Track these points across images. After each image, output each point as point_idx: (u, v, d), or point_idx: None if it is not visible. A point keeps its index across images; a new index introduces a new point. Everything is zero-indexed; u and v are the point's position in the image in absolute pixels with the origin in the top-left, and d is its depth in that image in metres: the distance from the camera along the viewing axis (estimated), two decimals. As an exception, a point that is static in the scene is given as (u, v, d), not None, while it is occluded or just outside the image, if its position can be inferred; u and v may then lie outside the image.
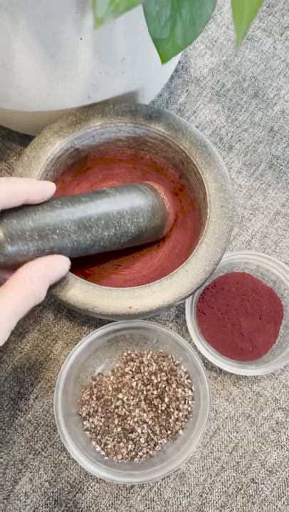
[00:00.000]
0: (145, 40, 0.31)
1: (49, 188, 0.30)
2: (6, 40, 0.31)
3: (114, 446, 0.38)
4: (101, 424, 0.39)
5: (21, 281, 0.28)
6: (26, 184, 0.29)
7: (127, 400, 0.39)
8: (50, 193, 0.30)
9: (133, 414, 0.39)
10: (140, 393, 0.39)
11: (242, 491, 0.40)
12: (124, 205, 0.35)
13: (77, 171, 0.40)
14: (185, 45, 0.27)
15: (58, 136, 0.36)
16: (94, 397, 0.40)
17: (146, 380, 0.40)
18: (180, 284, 0.33)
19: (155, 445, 0.39)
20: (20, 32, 0.30)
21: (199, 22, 0.26)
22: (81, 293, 0.33)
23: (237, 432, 0.41)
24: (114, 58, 0.33)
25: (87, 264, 0.39)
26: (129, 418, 0.39)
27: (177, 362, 0.41)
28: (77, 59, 0.32)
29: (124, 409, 0.39)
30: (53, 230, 0.30)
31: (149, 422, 0.39)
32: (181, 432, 0.39)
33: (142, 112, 0.37)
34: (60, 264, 0.31)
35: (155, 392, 0.39)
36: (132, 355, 0.41)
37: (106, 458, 0.38)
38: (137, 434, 0.38)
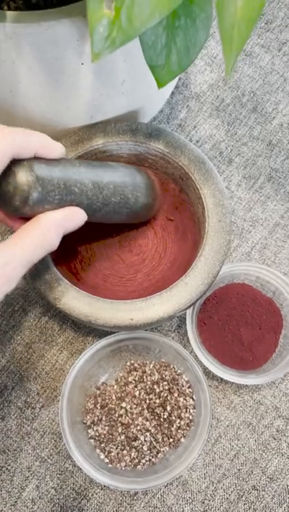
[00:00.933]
0: (144, 63, 0.32)
1: (59, 146, 0.31)
2: (12, 66, 0.32)
3: (117, 453, 0.39)
4: (105, 432, 0.40)
5: (41, 230, 0.29)
6: (39, 138, 0.30)
7: (130, 408, 0.40)
8: (60, 152, 0.31)
9: (136, 422, 0.40)
10: (143, 402, 0.41)
11: (243, 498, 0.41)
12: (127, 178, 0.36)
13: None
14: (180, 71, 0.28)
15: (61, 155, 0.37)
16: (98, 405, 0.41)
17: (148, 389, 0.41)
18: (180, 296, 0.35)
19: (158, 453, 0.40)
20: (24, 58, 0.32)
21: (193, 49, 0.28)
22: (84, 305, 0.34)
23: (238, 440, 0.42)
24: (115, 81, 0.35)
25: (91, 276, 0.41)
26: (132, 426, 0.40)
27: (179, 371, 0.42)
28: (79, 82, 0.34)
29: (127, 418, 0.40)
30: (75, 183, 0.31)
31: (152, 430, 0.40)
32: (183, 439, 0.40)
33: (142, 130, 0.38)
34: (79, 217, 0.32)
35: (157, 401, 0.41)
36: (135, 364, 0.42)
37: (110, 465, 0.39)
38: (140, 441, 0.40)
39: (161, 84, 0.29)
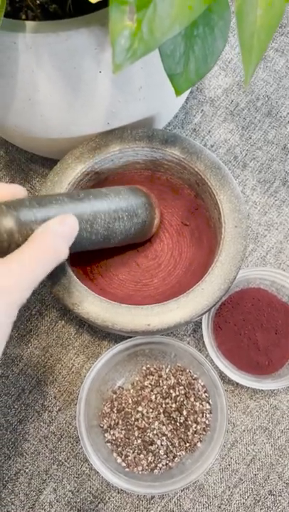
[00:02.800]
0: (160, 70, 0.32)
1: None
2: (31, 75, 0.33)
3: (134, 457, 0.40)
4: (122, 436, 0.40)
5: (39, 238, 0.28)
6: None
7: (147, 412, 0.41)
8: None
9: (152, 426, 0.40)
10: (159, 406, 0.41)
11: (260, 503, 0.41)
12: (121, 205, 0.36)
13: (97, 192, 0.42)
14: (198, 79, 0.29)
15: (78, 162, 0.38)
16: (114, 409, 0.41)
17: (164, 394, 0.41)
18: (196, 301, 0.35)
19: (174, 457, 0.40)
20: (43, 67, 0.32)
21: (211, 57, 0.28)
22: (102, 310, 0.34)
23: (254, 445, 0.42)
24: (132, 88, 0.35)
25: (107, 281, 0.41)
26: (148, 430, 0.40)
27: (195, 376, 0.42)
28: (96, 90, 0.34)
29: (143, 422, 0.40)
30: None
31: (168, 435, 0.40)
32: (199, 444, 0.40)
33: (158, 136, 0.39)
34: (72, 220, 0.31)
35: (174, 405, 0.41)
36: (151, 369, 0.43)
37: (127, 469, 0.39)
38: (156, 446, 0.40)
39: (179, 92, 0.29)
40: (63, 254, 0.30)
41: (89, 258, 0.41)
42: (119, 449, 0.40)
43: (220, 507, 0.41)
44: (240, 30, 0.22)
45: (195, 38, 0.27)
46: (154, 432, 0.40)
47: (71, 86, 0.33)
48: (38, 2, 0.37)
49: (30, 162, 0.50)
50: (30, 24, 0.31)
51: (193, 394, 0.41)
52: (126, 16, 0.21)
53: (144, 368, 0.43)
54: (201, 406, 0.41)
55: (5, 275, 0.26)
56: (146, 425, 0.40)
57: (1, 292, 0.26)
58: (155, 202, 0.41)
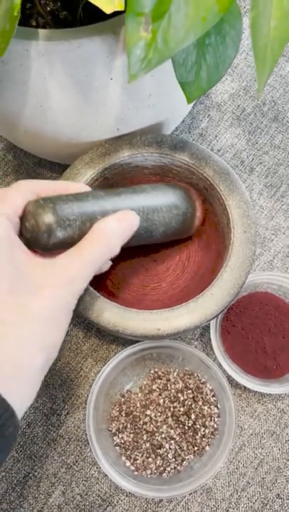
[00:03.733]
0: (170, 77, 0.33)
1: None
2: (42, 82, 0.33)
3: (143, 461, 0.40)
4: (130, 439, 0.40)
5: (95, 235, 0.31)
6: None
7: (155, 416, 0.41)
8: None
9: (161, 430, 0.40)
10: (167, 410, 0.41)
11: (268, 507, 0.41)
12: (159, 199, 0.37)
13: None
14: (209, 87, 0.29)
15: (88, 167, 0.38)
16: (123, 413, 0.41)
17: (173, 398, 0.41)
18: (206, 306, 0.35)
19: (182, 461, 0.40)
20: (55, 75, 0.32)
21: (222, 65, 0.28)
22: (112, 315, 0.35)
23: (262, 448, 0.42)
24: (142, 95, 0.36)
25: (117, 286, 0.41)
26: (157, 434, 0.40)
27: (203, 380, 0.42)
28: (107, 97, 0.35)
29: (152, 426, 0.41)
30: (95, 216, 0.32)
31: (177, 438, 0.40)
32: (207, 448, 0.40)
33: (167, 142, 0.39)
34: (131, 217, 0.33)
35: (182, 409, 0.41)
36: (159, 372, 0.43)
37: (135, 473, 0.40)
38: (164, 449, 0.40)
39: (190, 100, 0.29)
40: (116, 250, 0.32)
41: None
42: (128, 452, 0.40)
43: (228, 510, 0.41)
44: (255, 41, 0.23)
45: (207, 47, 0.27)
46: (163, 435, 0.40)
47: (82, 93, 0.34)
48: (48, 9, 0.38)
49: (38, 166, 0.50)
50: (42, 32, 0.31)
51: (202, 398, 0.41)
52: (142, 26, 0.22)
53: (152, 371, 0.43)
54: (209, 410, 0.41)
55: (68, 268, 0.29)
56: (155, 429, 0.41)
57: (65, 283, 0.29)
58: (196, 195, 0.41)
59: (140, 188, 0.37)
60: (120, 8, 0.24)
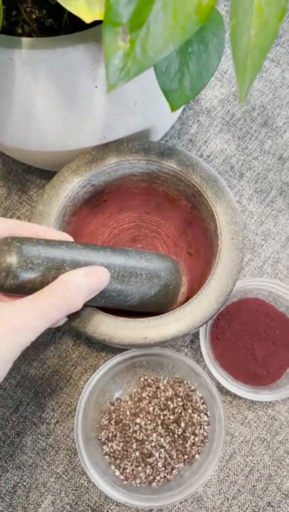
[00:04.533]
0: (156, 85, 0.33)
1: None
2: (27, 90, 0.33)
3: (132, 470, 0.40)
4: (120, 448, 0.40)
5: (56, 287, 0.28)
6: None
7: (145, 424, 0.41)
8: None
9: (150, 438, 0.40)
10: (157, 418, 0.41)
11: (259, 515, 0.41)
12: (140, 264, 0.36)
13: (94, 205, 0.42)
14: (193, 95, 0.29)
15: (75, 175, 0.38)
16: (112, 421, 0.41)
17: (162, 405, 0.41)
18: (193, 314, 0.35)
19: (172, 469, 0.40)
20: (40, 83, 0.32)
21: (206, 73, 0.28)
22: (99, 324, 0.34)
23: (253, 456, 0.42)
24: (127, 102, 0.35)
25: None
26: (146, 443, 0.40)
27: (192, 387, 0.42)
28: (92, 104, 0.34)
29: (141, 434, 0.40)
30: (63, 266, 0.30)
31: (166, 447, 0.40)
32: (197, 456, 0.40)
33: (154, 149, 0.39)
34: (100, 274, 0.31)
35: (172, 417, 0.41)
36: (149, 380, 0.43)
37: (125, 482, 0.39)
38: (154, 458, 0.40)
39: (174, 108, 0.29)
40: (77, 306, 0.29)
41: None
42: (117, 461, 0.40)
43: (219, 519, 0.40)
44: (235, 50, 0.23)
45: (190, 55, 0.27)
46: (152, 444, 0.40)
47: (67, 101, 0.34)
48: (34, 17, 0.38)
49: (27, 173, 0.50)
50: (26, 40, 0.31)
51: (191, 405, 0.41)
52: (119, 36, 0.21)
53: (141, 379, 0.43)
54: (199, 418, 0.41)
55: (16, 316, 0.27)
56: (145, 437, 0.40)
57: (10, 331, 0.26)
58: (183, 270, 0.41)
59: (123, 249, 0.35)
60: (100, 17, 0.24)
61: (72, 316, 0.35)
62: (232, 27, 0.22)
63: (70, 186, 0.38)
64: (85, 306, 0.32)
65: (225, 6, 0.55)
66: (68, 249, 0.31)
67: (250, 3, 0.22)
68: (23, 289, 0.29)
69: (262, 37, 0.23)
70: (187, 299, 0.39)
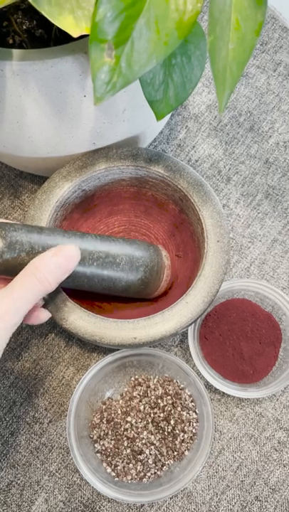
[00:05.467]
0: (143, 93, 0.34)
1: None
2: (18, 100, 0.34)
3: (123, 467, 0.41)
4: (111, 446, 0.41)
5: (27, 270, 0.30)
6: None
7: (136, 422, 0.42)
8: None
9: (141, 436, 0.41)
10: (148, 416, 0.42)
11: (247, 509, 0.42)
12: (123, 251, 0.37)
13: (84, 209, 0.43)
14: (177, 104, 0.30)
15: (66, 180, 0.39)
16: (104, 420, 0.42)
17: (153, 404, 0.42)
18: (181, 315, 0.36)
19: (162, 466, 0.41)
20: (30, 93, 0.33)
21: (189, 84, 0.29)
22: (89, 325, 0.36)
23: (241, 452, 0.43)
24: (116, 110, 0.37)
25: (94, 296, 0.42)
26: (137, 440, 0.41)
27: (182, 386, 0.43)
28: (81, 112, 0.36)
29: (132, 432, 0.41)
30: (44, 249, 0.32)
31: (157, 444, 0.41)
32: (186, 452, 0.41)
33: (142, 155, 0.40)
34: (68, 251, 0.32)
35: (162, 415, 0.42)
36: (140, 379, 0.44)
37: (116, 479, 0.40)
38: (145, 455, 0.41)
39: (159, 117, 0.30)
40: (51, 285, 0.31)
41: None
42: (109, 459, 0.41)
43: (208, 513, 0.42)
44: (213, 64, 0.24)
45: (173, 67, 0.29)
46: (143, 441, 0.41)
47: (57, 109, 0.35)
48: (24, 27, 0.39)
49: (19, 178, 0.51)
50: (16, 52, 0.32)
51: (181, 403, 0.42)
52: (105, 52, 0.23)
53: (132, 378, 0.44)
54: (188, 415, 0.42)
55: None
56: (135, 435, 0.41)
57: None
58: (166, 255, 0.43)
59: (104, 236, 0.37)
60: (87, 32, 0.25)
61: (63, 318, 0.36)
62: (210, 43, 0.23)
63: (61, 191, 0.39)
64: (83, 301, 0.36)
65: (207, 20, 0.57)
66: (47, 235, 0.33)
67: (227, 19, 0.23)
68: (5, 272, 0.31)
69: (239, 51, 0.24)
70: (172, 285, 0.42)
